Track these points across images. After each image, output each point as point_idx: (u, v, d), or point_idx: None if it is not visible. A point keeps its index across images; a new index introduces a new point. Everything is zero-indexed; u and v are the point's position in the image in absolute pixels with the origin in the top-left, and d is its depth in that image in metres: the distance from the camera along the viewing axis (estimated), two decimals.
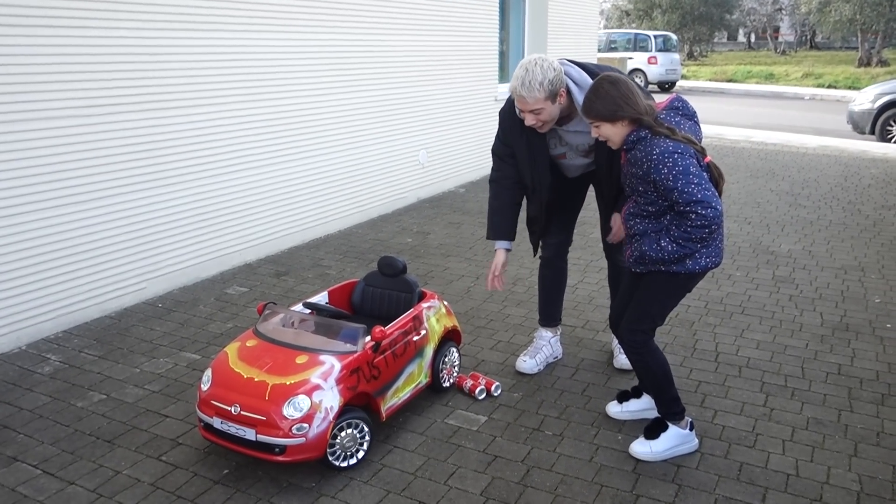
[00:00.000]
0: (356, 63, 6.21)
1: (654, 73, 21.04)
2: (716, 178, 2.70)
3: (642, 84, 20.52)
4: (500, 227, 3.39)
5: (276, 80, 5.41)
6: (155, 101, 4.53)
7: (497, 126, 3.35)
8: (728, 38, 44.60)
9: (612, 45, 22.18)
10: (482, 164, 8.26)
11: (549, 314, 3.74)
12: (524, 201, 3.43)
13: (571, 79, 3.01)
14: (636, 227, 2.81)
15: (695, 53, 34.73)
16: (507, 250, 3.42)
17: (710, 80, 25.11)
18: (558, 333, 3.79)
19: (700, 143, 2.72)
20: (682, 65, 24.54)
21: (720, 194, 2.68)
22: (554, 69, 2.92)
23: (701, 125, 2.87)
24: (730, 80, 24.58)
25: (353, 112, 6.27)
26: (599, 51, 20.66)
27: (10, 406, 3.34)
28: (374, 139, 6.57)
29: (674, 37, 23.03)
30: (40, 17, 3.86)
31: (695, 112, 2.83)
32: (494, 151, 3.37)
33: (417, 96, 7.10)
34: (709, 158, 2.69)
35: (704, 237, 2.64)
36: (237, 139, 5.16)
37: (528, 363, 3.63)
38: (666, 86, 21.71)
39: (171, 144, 4.68)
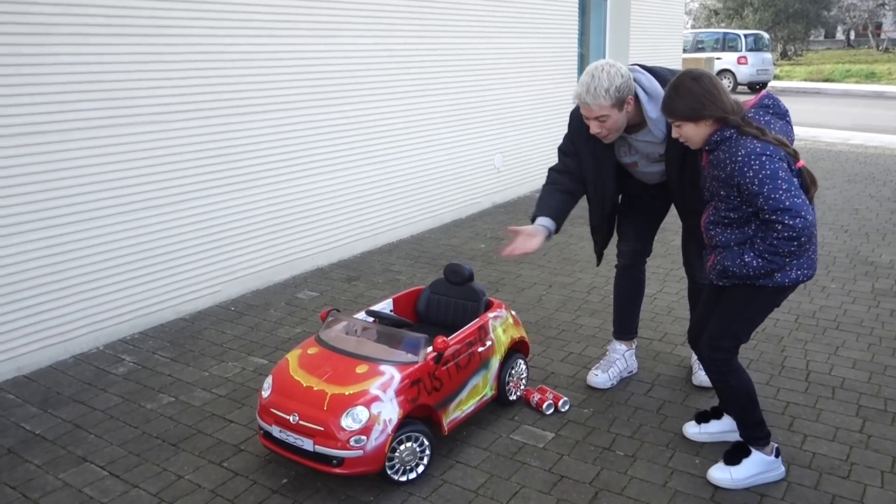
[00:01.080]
0: (430, 66, 6.15)
1: (744, 73, 20.18)
2: (807, 184, 2.46)
3: (731, 85, 19.86)
4: (550, 207, 3.07)
5: (347, 85, 5.41)
6: (229, 106, 4.59)
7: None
8: (825, 36, 42.51)
9: (700, 46, 21.43)
10: None
11: (625, 326, 3.55)
12: (582, 203, 3.25)
13: (641, 86, 2.82)
14: (717, 237, 2.61)
15: (789, 53, 33.23)
16: (547, 230, 3.02)
17: (805, 80, 23.93)
18: (633, 347, 3.60)
19: (792, 144, 2.49)
20: (774, 64, 23.48)
21: (811, 201, 2.45)
22: (622, 75, 2.76)
23: (793, 126, 2.64)
24: (827, 80, 23.35)
25: (427, 116, 6.21)
26: (685, 51, 20.02)
27: (84, 406, 3.42)
28: (447, 143, 6.50)
29: (766, 35, 22.06)
30: (118, 26, 3.96)
31: (787, 111, 2.59)
32: (560, 149, 3.23)
33: (493, 99, 6.99)
34: (802, 163, 2.45)
35: (793, 250, 2.40)
36: (309, 144, 5.19)
37: (600, 377, 3.45)
38: (757, 86, 20.78)
39: (245, 149, 4.73)
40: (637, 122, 2.93)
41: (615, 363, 3.50)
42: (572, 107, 3.08)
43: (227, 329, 4.29)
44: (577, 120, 3.10)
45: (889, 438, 2.98)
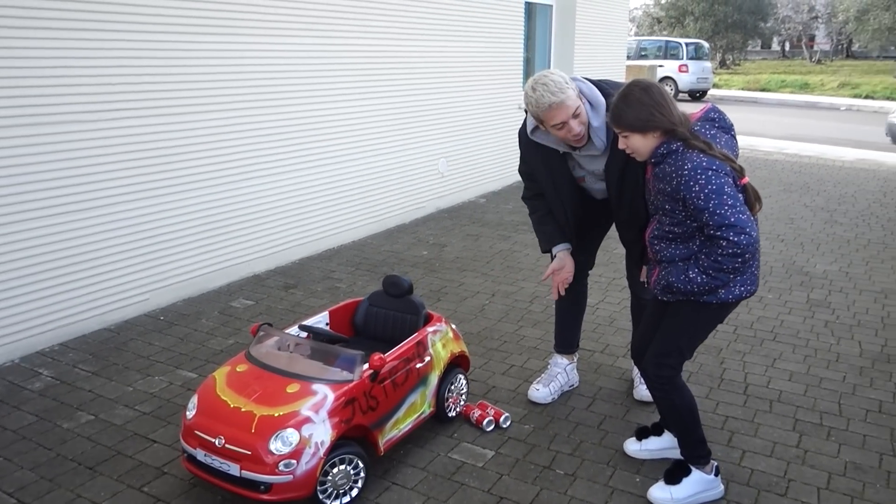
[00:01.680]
0: (374, 69, 6.02)
1: (685, 81, 20.62)
2: (751, 201, 2.43)
3: (672, 93, 20.24)
4: (553, 234, 3.18)
5: (289, 86, 5.24)
6: (162, 106, 4.37)
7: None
8: (762, 47, 43.80)
9: (643, 53, 21.80)
10: (504, 174, 8.03)
11: (566, 340, 3.50)
12: None
13: (583, 94, 2.77)
14: (662, 252, 2.56)
15: (727, 62, 34.13)
16: (568, 249, 3.18)
17: (742, 89, 24.59)
18: (575, 360, 3.55)
19: (737, 159, 2.46)
20: (713, 73, 24.05)
21: (755, 218, 2.42)
22: (561, 73, 2.74)
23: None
24: (763, 90, 24.04)
25: (370, 119, 6.08)
26: (629, 58, 20.32)
27: None
28: (391, 147, 6.38)
29: (706, 44, 22.58)
30: (42, 20, 3.72)
31: (732, 125, 2.56)
32: (520, 172, 3.24)
33: (438, 103, 6.90)
34: (746, 179, 2.42)
35: (737, 267, 2.37)
36: (248, 146, 5.00)
37: (540, 392, 3.39)
38: (697, 94, 21.28)
39: (179, 151, 4.52)
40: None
41: (556, 377, 3.44)
42: (518, 110, 3.03)
43: (154, 340, 4.08)
44: (524, 141, 3.06)
45: (825, 454, 3.00)
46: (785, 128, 14.61)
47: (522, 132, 3.04)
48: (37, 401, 3.40)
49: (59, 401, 3.40)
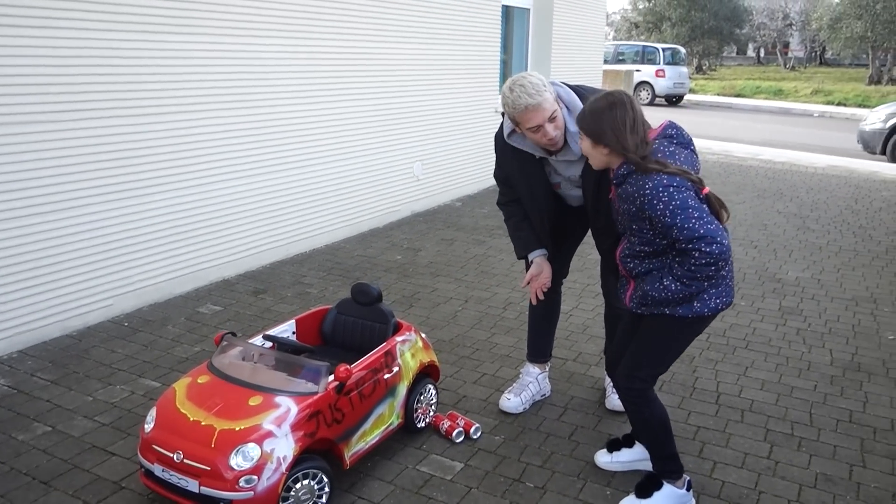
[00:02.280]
0: (348, 70, 5.95)
1: (662, 86, 20.77)
2: (717, 209, 2.41)
3: (649, 97, 20.37)
4: (529, 240, 3.14)
5: (259, 87, 5.15)
6: (127, 107, 4.26)
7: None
8: (737, 53, 44.31)
9: (620, 58, 21.92)
10: (480, 177, 7.98)
11: (539, 349, 3.45)
12: None
13: (561, 99, 2.74)
14: (635, 269, 2.53)
15: (703, 67, 34.46)
16: (544, 255, 3.13)
17: (718, 94, 24.83)
18: (547, 369, 3.50)
19: (698, 173, 2.44)
20: (690, 78, 24.25)
21: (723, 225, 2.40)
22: (540, 75, 2.70)
23: (701, 146, 2.59)
24: (738, 95, 24.29)
25: (344, 121, 6.00)
26: (607, 62, 20.41)
27: None
28: (366, 149, 6.30)
29: (682, 50, 22.76)
30: (1, 17, 3.60)
31: (690, 140, 2.55)
32: (496, 177, 3.19)
33: (413, 106, 6.83)
34: (707, 190, 2.40)
35: (711, 275, 2.35)
36: (217, 148, 4.90)
37: (511, 402, 3.34)
38: (674, 99, 21.45)
39: (145, 153, 4.41)
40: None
41: (528, 387, 3.40)
42: (495, 114, 2.99)
43: (118, 347, 3.97)
44: (500, 145, 3.03)
45: (795, 465, 2.98)
46: (759, 133, 14.75)
47: (499, 136, 3.01)
48: None
49: (14, 411, 3.29)
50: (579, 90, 2.81)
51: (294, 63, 5.40)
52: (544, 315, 3.41)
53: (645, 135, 2.41)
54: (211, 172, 4.88)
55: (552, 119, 2.70)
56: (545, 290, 3.12)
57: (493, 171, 3.24)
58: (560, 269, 3.32)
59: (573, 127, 2.75)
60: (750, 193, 8.37)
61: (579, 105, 2.73)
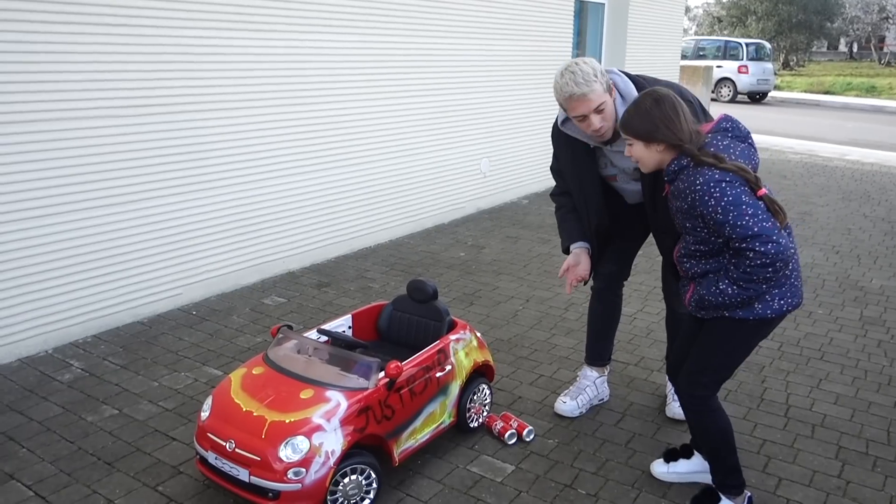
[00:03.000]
0: (416, 66, 5.95)
1: (745, 82, 20.01)
2: (774, 212, 2.27)
3: (731, 94, 19.68)
4: (573, 231, 3.09)
5: (327, 84, 5.21)
6: (198, 102, 4.39)
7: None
8: (828, 48, 42.37)
9: (701, 53, 21.25)
10: (547, 175, 7.86)
11: (598, 353, 3.37)
12: None
13: (617, 88, 2.66)
14: (692, 269, 2.43)
15: (791, 63, 33.08)
16: (586, 248, 3.06)
17: (805, 91, 23.78)
18: (606, 374, 3.42)
19: (755, 169, 2.31)
20: (775, 74, 23.30)
21: (783, 227, 2.27)
22: (595, 63, 2.64)
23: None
24: (827, 92, 23.20)
25: (411, 117, 6.01)
26: (686, 58, 19.85)
27: (20, 416, 3.22)
28: (432, 145, 6.30)
29: (767, 45, 21.87)
30: (76, 14, 3.75)
31: (748, 133, 2.42)
32: (552, 169, 3.16)
33: (480, 102, 6.79)
34: (763, 191, 2.25)
35: (769, 276, 2.22)
36: (284, 143, 4.99)
37: (567, 405, 3.27)
38: (757, 96, 20.66)
39: (215, 147, 4.53)
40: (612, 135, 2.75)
41: (585, 390, 3.32)
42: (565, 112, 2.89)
43: (184, 335, 4.10)
44: (556, 134, 2.98)
45: (868, 486, 2.81)
46: (848, 133, 14.04)
47: (555, 125, 2.95)
48: (65, 392, 3.43)
49: (86, 393, 3.43)
50: (637, 79, 2.72)
51: (362, 59, 5.44)
52: (604, 317, 3.32)
53: (698, 126, 2.32)
54: (278, 167, 4.97)
55: (599, 111, 2.62)
56: (581, 282, 3.05)
57: None
58: (621, 270, 3.23)
59: None
60: (834, 196, 7.98)
61: (635, 94, 2.64)
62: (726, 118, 2.40)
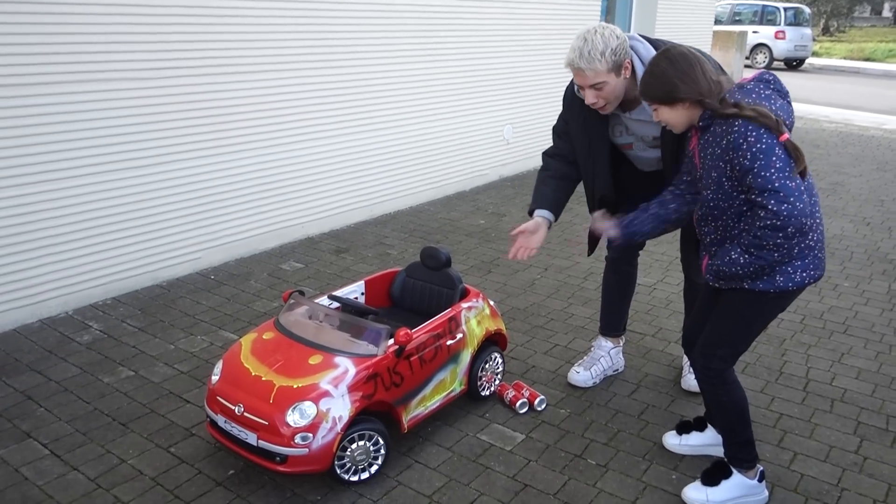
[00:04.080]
0: (437, 29, 5.85)
1: (781, 48, 19.42)
2: (795, 159, 2.15)
3: (766, 60, 19.14)
4: (547, 198, 2.94)
5: (348, 46, 5.15)
6: (218, 65, 4.36)
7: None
8: (871, 13, 40.91)
9: (737, 18, 20.64)
10: None
11: (611, 323, 3.32)
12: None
13: (637, 54, 2.57)
14: (709, 234, 2.37)
15: (831, 28, 32.03)
16: (548, 222, 2.92)
17: (844, 58, 23.04)
18: (620, 344, 3.37)
19: (791, 127, 2.22)
20: (815, 40, 22.60)
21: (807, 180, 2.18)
22: (617, 37, 2.53)
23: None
24: (867, 59, 22.45)
25: (432, 82, 5.93)
26: (721, 23, 19.31)
27: (40, 376, 3.28)
28: (454, 112, 6.22)
29: (806, 9, 21.17)
30: None
31: (787, 91, 2.33)
32: (554, 129, 3.03)
33: (504, 67, 6.67)
34: (786, 136, 2.15)
35: (780, 243, 2.13)
36: (305, 107, 4.95)
37: (581, 375, 3.24)
38: (794, 63, 20.07)
39: (235, 111, 4.51)
40: (632, 98, 2.67)
41: (599, 361, 3.28)
42: None
43: (202, 299, 4.13)
44: (569, 97, 2.88)
45: (886, 462, 2.75)
46: (888, 101, 13.59)
47: (569, 87, 2.86)
48: (83, 353, 3.49)
49: (103, 354, 3.48)
50: (658, 44, 2.62)
51: (385, 22, 5.36)
52: (618, 287, 3.27)
53: (717, 77, 2.25)
54: (298, 132, 4.94)
55: (597, 87, 2.56)
56: (529, 255, 2.90)
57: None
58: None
59: None
60: (869, 166, 7.75)
61: None
62: (767, 72, 2.32)
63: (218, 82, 4.38)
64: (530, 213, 2.96)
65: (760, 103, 2.17)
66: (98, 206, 3.96)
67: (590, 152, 2.86)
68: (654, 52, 2.58)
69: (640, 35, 2.68)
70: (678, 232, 3.03)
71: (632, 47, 2.59)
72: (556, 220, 2.96)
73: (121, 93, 3.94)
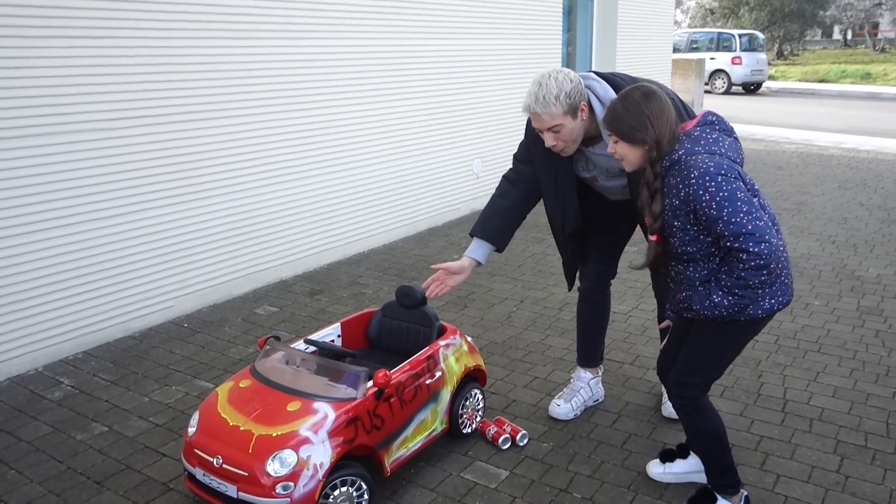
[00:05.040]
0: (404, 68, 5.92)
1: (739, 73, 19.98)
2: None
3: (725, 86, 19.61)
4: (492, 226, 2.90)
5: (315, 88, 5.18)
6: (185, 111, 4.35)
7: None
8: (822, 36, 42.26)
9: (694, 46, 21.21)
10: None
11: (589, 353, 3.33)
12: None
13: (594, 93, 2.61)
14: (681, 273, 2.39)
15: (785, 52, 33.00)
16: (475, 263, 2.90)
17: (800, 80, 23.72)
18: (599, 374, 3.38)
19: (741, 164, 2.28)
20: (770, 65, 23.26)
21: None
22: (571, 80, 2.57)
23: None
24: (822, 81, 23.15)
25: (401, 119, 5.98)
26: (679, 51, 19.82)
27: (9, 436, 3.19)
28: (423, 148, 6.27)
29: (760, 35, 21.83)
30: (58, 28, 3.72)
31: (732, 128, 2.38)
32: (515, 156, 2.98)
33: (472, 102, 6.75)
34: None
35: (764, 279, 2.17)
36: (274, 149, 4.95)
37: (562, 408, 3.23)
38: (752, 87, 20.62)
39: (203, 156, 4.50)
40: (593, 135, 2.71)
41: (579, 392, 3.28)
42: None
43: (176, 348, 4.06)
44: (533, 134, 2.88)
45: (868, 480, 2.77)
46: (844, 121, 13.99)
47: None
48: (54, 411, 3.40)
49: (75, 411, 3.40)
50: (616, 80, 2.67)
51: (349, 63, 5.41)
52: (593, 318, 3.28)
53: (678, 126, 2.29)
54: (268, 174, 4.94)
55: (554, 130, 2.60)
56: (442, 292, 2.88)
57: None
58: (608, 269, 3.19)
59: None
60: (830, 184, 7.93)
61: (615, 96, 2.59)
62: (710, 113, 2.36)
63: (185, 129, 4.37)
64: (471, 235, 2.95)
65: (710, 149, 2.21)
66: (65, 259, 3.90)
67: (557, 189, 2.88)
68: (611, 91, 2.62)
69: (598, 73, 2.72)
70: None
71: (588, 87, 2.63)
72: (498, 250, 2.95)
73: (85, 143, 3.91)
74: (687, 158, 2.19)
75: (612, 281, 3.28)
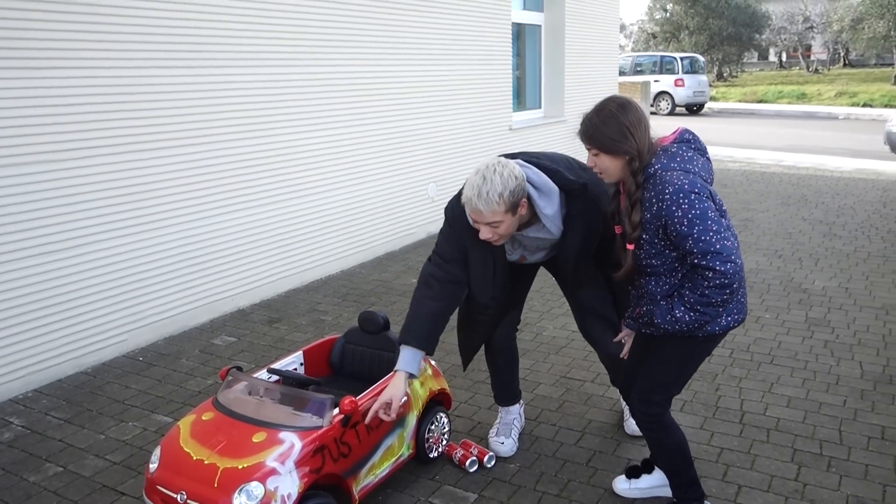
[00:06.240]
0: (357, 95, 5.95)
1: (682, 95, 20.60)
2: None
3: (669, 107, 20.17)
4: (418, 329, 2.71)
5: (267, 116, 5.16)
6: (135, 141, 4.29)
7: (443, 223, 2.79)
8: (759, 58, 43.89)
9: (638, 69, 21.80)
10: None
11: (510, 394, 3.28)
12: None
13: (531, 183, 2.55)
14: (643, 287, 2.44)
15: (724, 74, 34.15)
16: (407, 376, 2.68)
17: (739, 101, 24.55)
18: (521, 402, 3.35)
19: (711, 183, 2.35)
20: (710, 86, 24.03)
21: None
22: (515, 177, 2.46)
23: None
24: (760, 101, 24.00)
25: (355, 145, 5.99)
26: (624, 74, 20.33)
27: None
28: (378, 173, 6.29)
29: (701, 58, 22.57)
30: (4, 59, 3.64)
31: (706, 148, 2.45)
32: (440, 253, 2.75)
33: (425, 127, 6.81)
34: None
35: (726, 298, 2.22)
36: (227, 178, 4.91)
37: (506, 445, 3.15)
38: (694, 108, 21.25)
39: (155, 186, 4.43)
40: (527, 221, 2.65)
41: (513, 424, 3.24)
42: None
43: (131, 383, 3.96)
44: (461, 220, 2.66)
45: (825, 486, 2.85)
46: (783, 139, 14.52)
47: (454, 206, 2.68)
48: (5, 453, 3.28)
49: (27, 452, 3.28)
50: (544, 163, 2.62)
51: (302, 89, 5.41)
52: (507, 366, 3.23)
53: (654, 139, 2.35)
54: (222, 203, 4.88)
55: (493, 225, 2.50)
56: (389, 417, 2.64)
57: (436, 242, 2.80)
58: (515, 317, 3.17)
59: (549, 210, 2.57)
60: (774, 201, 8.20)
61: (552, 186, 2.56)
62: (687, 130, 2.40)
63: (134, 159, 4.30)
64: (401, 343, 2.73)
65: (685, 167, 2.27)
66: (12, 295, 3.79)
67: (494, 273, 2.77)
68: (546, 178, 2.57)
69: (527, 160, 2.64)
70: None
71: (526, 177, 2.54)
72: (429, 354, 2.77)
73: (34, 175, 3.81)
74: (662, 174, 2.24)
75: (518, 328, 3.25)
